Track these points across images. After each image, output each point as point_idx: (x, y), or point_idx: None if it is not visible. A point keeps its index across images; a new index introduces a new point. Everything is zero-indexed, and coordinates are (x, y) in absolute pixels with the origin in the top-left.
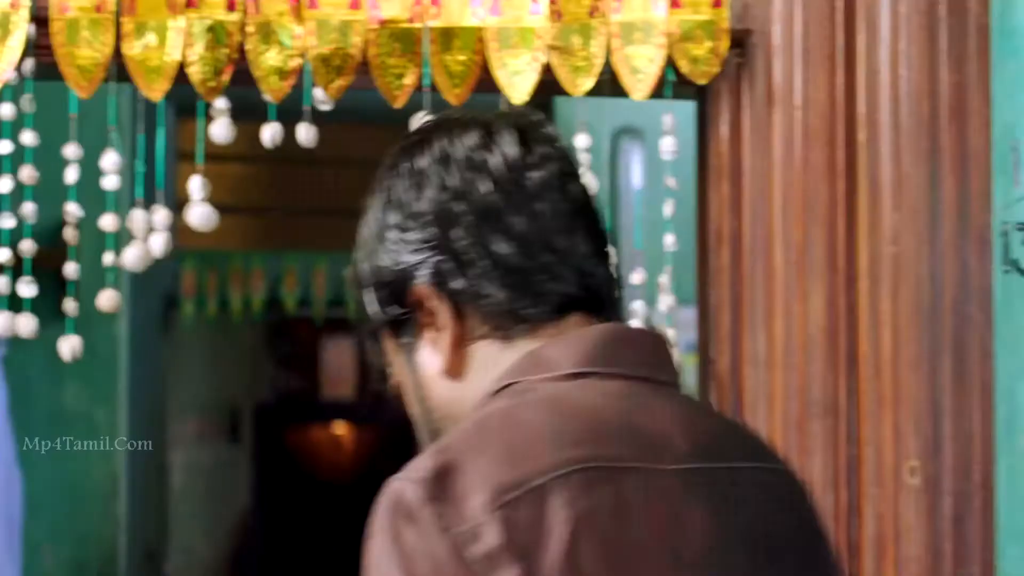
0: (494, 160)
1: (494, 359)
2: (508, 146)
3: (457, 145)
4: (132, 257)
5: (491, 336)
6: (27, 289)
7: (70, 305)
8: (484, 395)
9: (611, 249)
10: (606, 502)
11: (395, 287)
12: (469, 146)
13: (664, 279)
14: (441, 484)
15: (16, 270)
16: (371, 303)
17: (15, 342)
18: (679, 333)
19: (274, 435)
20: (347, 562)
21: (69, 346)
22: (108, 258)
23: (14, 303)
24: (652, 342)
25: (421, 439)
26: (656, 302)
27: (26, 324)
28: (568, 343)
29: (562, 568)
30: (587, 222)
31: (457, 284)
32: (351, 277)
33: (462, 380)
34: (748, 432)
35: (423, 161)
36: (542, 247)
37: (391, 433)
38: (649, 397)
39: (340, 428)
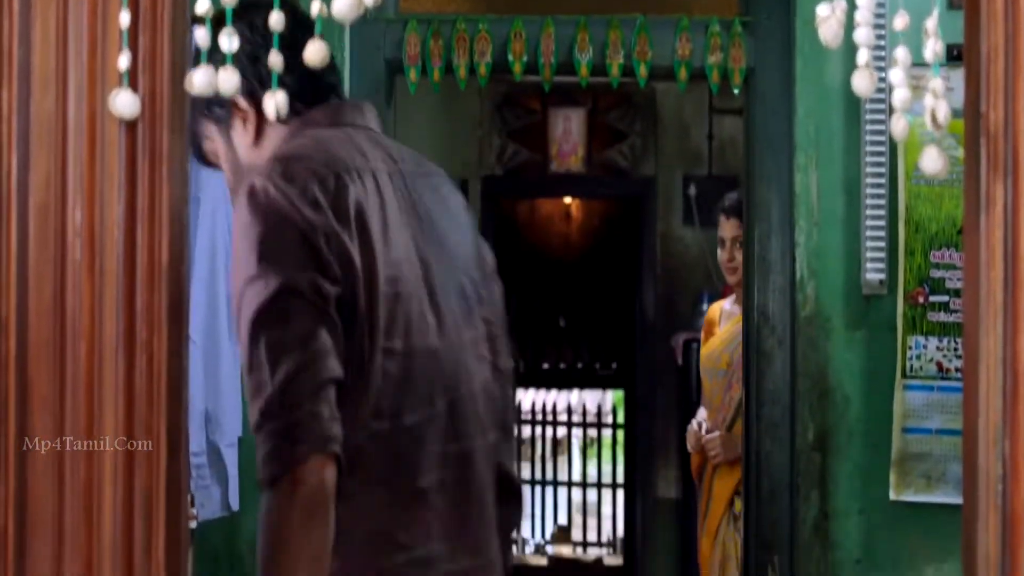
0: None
1: (278, 133)
2: None
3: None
4: (342, 5)
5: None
6: (228, 43)
7: (275, 59)
8: (274, 150)
9: None
10: (373, 186)
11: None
12: None
13: (931, 23)
14: (281, 171)
15: (217, 21)
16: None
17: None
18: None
19: (501, 208)
20: (573, 337)
21: (274, 102)
22: (315, 7)
23: (216, 58)
24: (371, 108)
25: (233, 188)
26: (921, 50)
27: (227, 80)
28: (326, 110)
29: (355, 219)
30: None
31: (259, 95)
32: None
33: (260, 148)
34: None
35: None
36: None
37: (620, 207)
38: (377, 136)
39: (568, 201)
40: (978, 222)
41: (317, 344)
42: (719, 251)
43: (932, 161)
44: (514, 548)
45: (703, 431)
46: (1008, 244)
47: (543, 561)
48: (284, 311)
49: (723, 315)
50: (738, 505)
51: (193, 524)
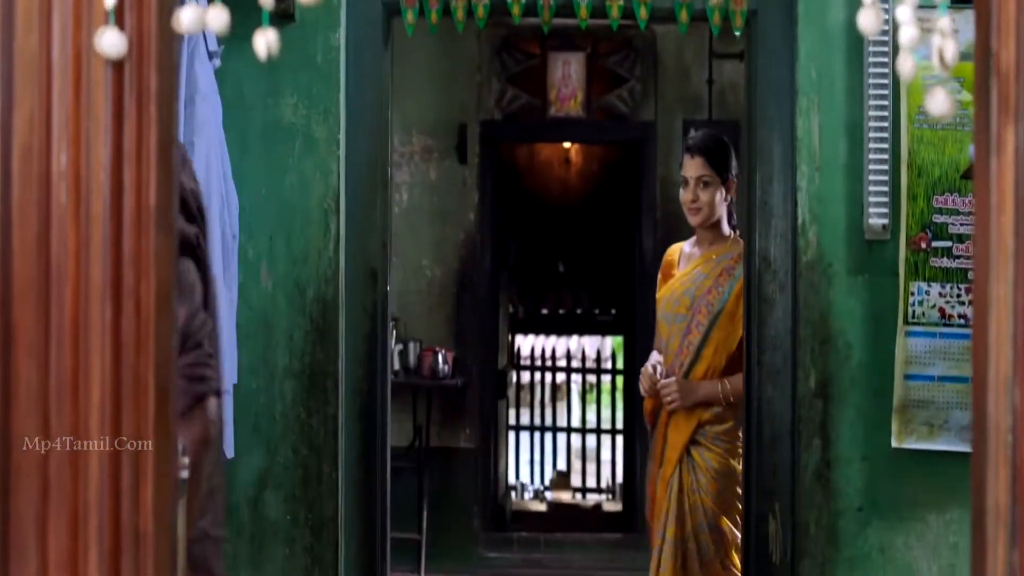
0: None
1: None
2: None
3: None
4: None
5: None
6: None
7: None
8: None
9: None
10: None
11: None
12: None
13: None
14: None
15: None
16: None
17: (229, 52)
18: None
19: (500, 153)
20: (572, 282)
21: (265, 41)
22: None
23: None
24: None
25: None
26: None
27: (217, 17)
28: None
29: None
30: None
31: None
32: None
33: None
34: None
35: None
36: None
37: (620, 151)
38: None
39: (568, 146)
40: (988, 166)
41: (199, 292)
42: (681, 191)
43: (939, 103)
44: (512, 494)
45: (659, 375)
46: (1019, 188)
47: (542, 507)
48: (179, 260)
49: (683, 256)
50: (696, 455)
51: (184, 473)
